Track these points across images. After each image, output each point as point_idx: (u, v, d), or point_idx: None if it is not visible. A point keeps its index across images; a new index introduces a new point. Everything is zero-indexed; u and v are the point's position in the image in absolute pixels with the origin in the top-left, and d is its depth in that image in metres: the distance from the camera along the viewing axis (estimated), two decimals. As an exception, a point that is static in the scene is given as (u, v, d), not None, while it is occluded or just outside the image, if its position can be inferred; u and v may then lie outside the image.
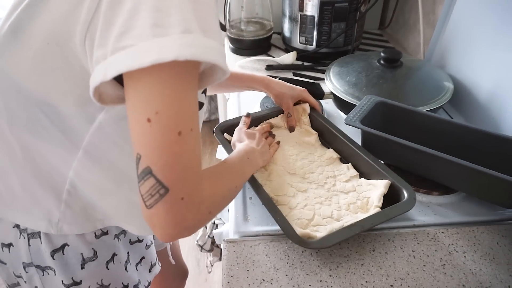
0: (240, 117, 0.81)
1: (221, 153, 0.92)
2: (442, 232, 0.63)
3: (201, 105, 0.56)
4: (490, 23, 0.85)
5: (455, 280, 0.56)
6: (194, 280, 1.54)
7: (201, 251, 0.93)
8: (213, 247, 0.95)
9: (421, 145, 0.65)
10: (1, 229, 0.56)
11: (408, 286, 0.55)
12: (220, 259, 0.96)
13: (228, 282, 0.55)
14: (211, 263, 0.99)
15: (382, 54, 0.90)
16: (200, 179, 0.41)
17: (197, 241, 0.93)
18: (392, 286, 0.55)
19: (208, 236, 0.90)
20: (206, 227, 0.89)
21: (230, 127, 0.79)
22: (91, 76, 0.37)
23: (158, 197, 0.38)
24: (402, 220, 0.65)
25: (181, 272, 0.97)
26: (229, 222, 0.66)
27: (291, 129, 0.80)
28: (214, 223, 0.89)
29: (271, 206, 0.60)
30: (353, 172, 0.70)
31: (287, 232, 0.56)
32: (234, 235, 0.63)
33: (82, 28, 0.38)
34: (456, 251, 0.60)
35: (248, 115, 0.78)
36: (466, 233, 0.63)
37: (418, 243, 0.61)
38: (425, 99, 0.82)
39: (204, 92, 0.57)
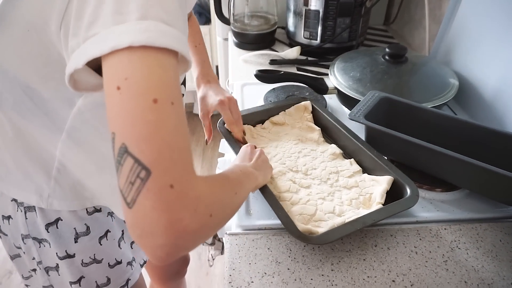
0: (244, 111, 0.81)
1: (224, 147, 0.92)
2: (445, 229, 0.63)
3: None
4: (497, 20, 0.84)
5: (457, 277, 0.56)
6: (195, 274, 1.54)
7: (203, 244, 0.94)
8: (215, 240, 0.95)
9: (425, 141, 0.65)
10: (1, 202, 0.60)
11: (410, 281, 0.55)
12: (221, 253, 0.97)
13: (230, 275, 0.55)
14: (212, 257, 0.99)
15: (387, 49, 0.89)
16: (192, 167, 0.34)
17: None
18: (394, 281, 0.55)
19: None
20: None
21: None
22: (67, 64, 0.37)
23: (139, 185, 0.31)
24: (404, 216, 0.64)
25: (182, 258, 0.99)
26: (231, 215, 0.66)
27: (206, 142, 0.79)
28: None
29: (273, 201, 0.60)
30: (356, 167, 0.70)
31: (288, 227, 0.56)
32: (236, 228, 0.63)
33: (57, 17, 0.39)
34: (459, 248, 0.60)
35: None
36: (468, 230, 0.63)
37: (420, 239, 0.61)
38: (429, 96, 0.82)
39: (183, 83, 0.57)
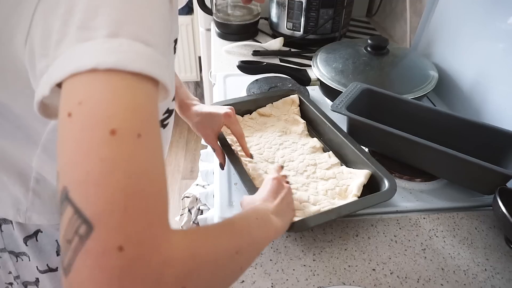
0: (231, 100, 0.80)
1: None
2: (424, 218, 0.65)
3: (170, 112, 0.52)
4: (475, 13, 0.85)
5: (434, 264, 0.57)
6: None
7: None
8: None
9: (405, 132, 0.66)
10: None
11: (390, 270, 0.56)
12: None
13: (213, 267, 0.55)
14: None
15: (369, 41, 0.90)
16: (161, 222, 0.26)
17: (181, 227, 0.92)
18: (374, 270, 0.56)
19: (193, 222, 0.90)
20: (191, 212, 0.89)
21: None
22: (36, 90, 0.31)
23: (77, 244, 0.23)
24: (385, 206, 0.66)
25: None
26: (214, 207, 0.66)
27: (220, 166, 0.70)
28: (199, 209, 0.89)
29: (251, 188, 0.60)
30: (334, 160, 0.71)
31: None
32: (218, 220, 0.63)
33: (22, 31, 0.33)
34: (436, 236, 0.62)
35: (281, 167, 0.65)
36: (446, 218, 0.65)
37: (400, 229, 0.63)
38: (410, 87, 0.83)
39: (174, 99, 0.54)
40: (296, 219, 0.56)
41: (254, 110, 0.83)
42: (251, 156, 0.70)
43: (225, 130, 0.72)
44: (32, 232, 0.54)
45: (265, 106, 0.83)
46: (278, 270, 0.55)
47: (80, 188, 0.24)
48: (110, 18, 0.28)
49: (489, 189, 0.64)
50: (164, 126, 0.52)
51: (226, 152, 0.68)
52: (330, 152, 0.73)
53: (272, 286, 0.53)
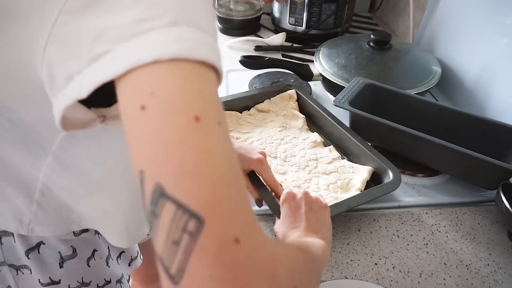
0: (228, 96, 0.80)
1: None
2: (426, 213, 0.64)
3: None
4: (479, 8, 0.85)
5: (437, 259, 0.57)
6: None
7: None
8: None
9: (408, 127, 0.65)
10: None
11: (392, 264, 0.56)
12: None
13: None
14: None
15: (372, 36, 0.89)
16: (253, 213, 0.24)
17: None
18: (376, 264, 0.56)
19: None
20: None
21: (223, 104, 0.78)
22: (55, 99, 0.28)
23: (188, 243, 0.21)
24: (387, 201, 0.65)
25: None
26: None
27: (257, 203, 0.62)
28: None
29: (259, 185, 0.60)
30: (335, 154, 0.71)
31: (274, 209, 0.56)
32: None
33: (40, 36, 0.30)
34: (439, 231, 0.62)
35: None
36: (449, 213, 0.65)
37: (402, 223, 0.63)
38: (413, 82, 0.82)
39: None
40: None
41: (252, 106, 0.82)
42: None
43: None
44: (34, 244, 0.52)
45: (262, 102, 0.83)
46: (280, 264, 0.55)
47: (179, 180, 0.22)
48: (167, 7, 0.26)
49: (492, 184, 0.64)
50: None
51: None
52: (331, 146, 0.72)
53: (274, 280, 0.53)
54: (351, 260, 0.56)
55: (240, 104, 0.81)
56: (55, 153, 0.44)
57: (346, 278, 0.54)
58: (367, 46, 0.91)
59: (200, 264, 0.20)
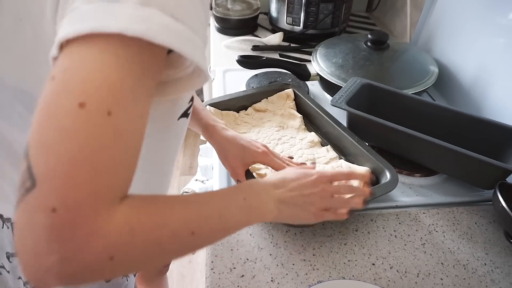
0: (225, 96, 0.80)
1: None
2: (423, 213, 0.64)
3: (192, 99, 0.51)
4: (476, 8, 0.85)
5: (434, 259, 0.57)
6: (178, 262, 1.54)
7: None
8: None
9: (405, 127, 0.65)
10: None
11: (389, 264, 0.56)
12: (204, 240, 0.96)
13: (212, 262, 0.55)
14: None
15: (369, 36, 0.89)
16: (108, 196, 0.27)
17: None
18: (373, 264, 0.56)
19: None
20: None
21: (220, 104, 0.78)
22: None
23: (22, 194, 0.25)
24: (384, 201, 0.65)
25: None
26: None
27: None
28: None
29: None
30: (333, 154, 0.70)
31: None
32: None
33: (51, 3, 0.32)
34: (436, 231, 0.62)
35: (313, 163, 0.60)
36: (446, 213, 0.65)
37: (399, 223, 0.63)
38: (410, 82, 0.82)
39: (191, 100, 0.51)
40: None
41: (249, 106, 0.82)
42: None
43: None
44: None
45: (260, 101, 0.82)
46: (277, 265, 0.55)
47: (36, 148, 0.26)
48: None
49: (489, 184, 0.64)
50: (187, 115, 0.51)
51: None
52: (329, 146, 0.72)
53: (272, 281, 0.53)
54: (349, 261, 0.56)
55: (237, 104, 0.81)
56: None
57: (344, 278, 0.54)
58: (365, 46, 0.91)
59: (21, 211, 0.25)
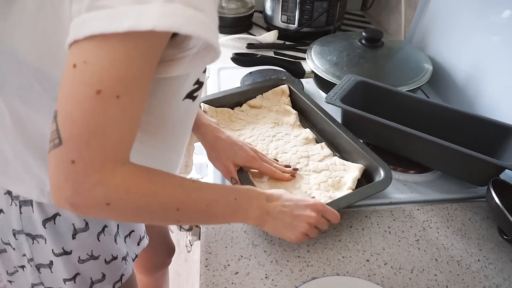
0: (220, 93, 0.80)
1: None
2: (418, 209, 0.65)
3: (200, 84, 0.52)
4: (470, 7, 0.85)
5: (428, 255, 0.57)
6: (174, 260, 1.53)
7: (180, 230, 0.93)
8: (192, 226, 0.94)
9: (399, 124, 0.66)
10: None
11: (384, 260, 0.56)
12: (199, 238, 0.96)
13: (206, 259, 0.55)
14: (190, 243, 0.98)
15: (363, 33, 0.89)
16: (113, 157, 0.36)
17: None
18: (368, 261, 0.56)
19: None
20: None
21: (214, 100, 0.78)
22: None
23: (52, 145, 0.35)
24: (379, 197, 0.65)
25: (168, 248, 0.97)
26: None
27: None
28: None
29: (247, 182, 0.59)
30: (327, 151, 0.70)
31: None
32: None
33: None
34: (430, 227, 0.62)
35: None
36: (440, 210, 0.65)
37: (394, 220, 0.63)
38: (404, 80, 0.83)
39: (204, 70, 0.53)
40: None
41: (244, 102, 0.82)
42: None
43: None
44: (51, 215, 0.55)
45: (255, 97, 0.82)
46: (272, 262, 0.55)
47: (64, 118, 0.35)
48: None
49: (482, 181, 0.64)
50: (193, 98, 0.52)
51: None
52: (323, 143, 0.72)
53: (266, 277, 0.53)
54: (343, 257, 0.56)
55: (232, 100, 0.81)
56: None
57: (338, 275, 0.54)
58: (359, 43, 0.91)
59: (52, 157, 0.35)
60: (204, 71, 0.52)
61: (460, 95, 0.86)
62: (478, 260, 0.57)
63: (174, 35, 0.38)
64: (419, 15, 1.02)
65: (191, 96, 0.51)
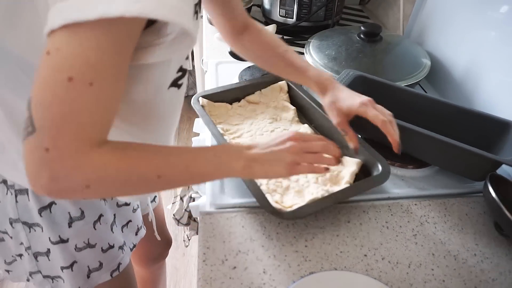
0: (218, 88, 0.79)
1: (198, 127, 0.90)
2: (415, 204, 0.65)
3: (184, 71, 0.52)
4: (468, 2, 0.85)
5: (425, 249, 0.58)
6: (171, 255, 1.54)
7: (178, 225, 0.93)
8: (190, 220, 0.94)
9: (397, 119, 0.65)
10: None
11: (381, 255, 0.56)
12: (197, 233, 0.96)
13: (204, 253, 0.55)
14: (188, 237, 0.98)
15: (362, 28, 0.89)
16: (87, 142, 0.36)
17: (173, 215, 0.92)
18: (365, 255, 0.56)
19: (185, 209, 0.89)
20: (183, 200, 0.88)
21: (213, 95, 0.78)
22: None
23: (26, 134, 0.35)
24: (377, 192, 0.66)
25: (165, 240, 0.98)
26: (205, 194, 0.65)
27: (356, 150, 0.62)
28: (191, 197, 0.88)
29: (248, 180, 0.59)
30: None
31: (261, 203, 0.55)
32: (210, 207, 0.62)
33: None
34: (428, 222, 0.62)
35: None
36: (437, 205, 0.65)
37: (391, 215, 0.63)
38: (402, 74, 0.82)
39: (187, 57, 0.53)
40: (294, 207, 0.56)
41: (243, 98, 0.82)
42: (398, 147, 0.59)
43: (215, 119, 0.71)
44: (47, 203, 0.55)
45: (253, 93, 0.82)
46: (270, 256, 0.55)
47: (36, 105, 0.35)
48: None
49: (479, 176, 0.64)
50: (178, 86, 0.52)
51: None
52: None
53: (264, 272, 0.53)
54: (341, 252, 0.57)
55: (230, 96, 0.80)
56: None
57: (336, 269, 0.54)
58: (358, 38, 0.90)
59: (26, 144, 0.36)
60: (187, 58, 0.52)
61: (458, 90, 0.86)
62: (475, 254, 0.58)
63: (152, 22, 0.38)
64: (418, 10, 1.02)
65: (175, 84, 0.51)
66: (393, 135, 0.57)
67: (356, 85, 0.76)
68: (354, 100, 0.60)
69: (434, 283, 0.53)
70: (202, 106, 0.75)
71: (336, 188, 0.61)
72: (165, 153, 0.43)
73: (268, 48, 0.69)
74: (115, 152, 0.39)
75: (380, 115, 0.58)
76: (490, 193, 0.58)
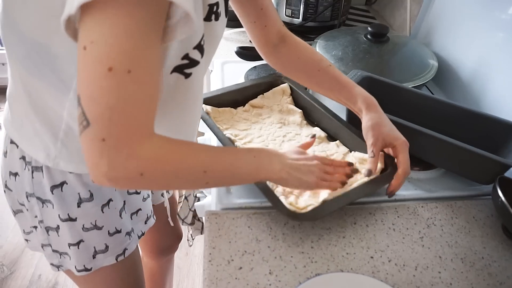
0: (217, 90, 0.78)
1: (203, 126, 0.90)
2: (422, 206, 0.64)
3: (192, 60, 0.51)
4: (476, 3, 0.84)
5: (432, 252, 0.57)
6: (175, 254, 1.54)
7: (182, 224, 0.93)
8: (195, 220, 0.94)
9: (404, 120, 0.65)
10: (10, 158, 0.59)
11: (388, 257, 0.56)
12: (201, 233, 0.96)
13: (210, 253, 0.55)
14: (192, 237, 0.98)
15: (369, 28, 0.89)
16: (138, 131, 0.38)
17: (178, 214, 0.92)
18: (372, 257, 0.56)
19: (190, 209, 0.89)
20: (187, 200, 0.88)
21: (213, 98, 0.77)
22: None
23: (82, 128, 0.37)
24: (383, 194, 0.65)
25: (176, 233, 0.99)
26: (211, 194, 0.65)
27: (369, 173, 0.60)
28: (195, 196, 0.88)
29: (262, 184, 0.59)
30: (344, 149, 0.70)
31: (277, 206, 0.55)
32: (216, 207, 0.62)
33: None
34: (434, 225, 0.62)
35: (313, 136, 0.67)
36: (444, 207, 0.65)
37: (398, 217, 0.62)
38: (409, 76, 0.82)
39: (198, 48, 0.50)
40: (309, 208, 0.56)
41: (242, 100, 0.80)
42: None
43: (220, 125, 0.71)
44: (59, 182, 0.57)
45: (254, 96, 0.81)
46: (276, 257, 0.55)
47: (86, 100, 0.37)
48: None
49: (488, 179, 0.64)
50: (186, 75, 0.50)
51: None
52: (337, 141, 0.71)
53: (270, 273, 0.53)
54: (347, 253, 0.56)
55: (230, 98, 0.79)
56: (75, 89, 0.49)
57: (342, 271, 0.54)
58: (364, 38, 0.90)
59: (84, 138, 0.38)
60: (196, 48, 0.50)
61: (465, 92, 0.86)
62: (482, 258, 0.57)
63: None
64: (425, 10, 1.01)
65: (181, 71, 0.49)
66: (398, 185, 0.60)
67: (364, 86, 0.75)
68: (399, 136, 0.61)
69: (441, 286, 0.53)
70: (207, 113, 0.74)
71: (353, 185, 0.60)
72: (211, 150, 0.47)
73: (309, 63, 0.68)
74: (166, 144, 0.42)
75: (406, 164, 0.59)
76: (499, 197, 0.58)
